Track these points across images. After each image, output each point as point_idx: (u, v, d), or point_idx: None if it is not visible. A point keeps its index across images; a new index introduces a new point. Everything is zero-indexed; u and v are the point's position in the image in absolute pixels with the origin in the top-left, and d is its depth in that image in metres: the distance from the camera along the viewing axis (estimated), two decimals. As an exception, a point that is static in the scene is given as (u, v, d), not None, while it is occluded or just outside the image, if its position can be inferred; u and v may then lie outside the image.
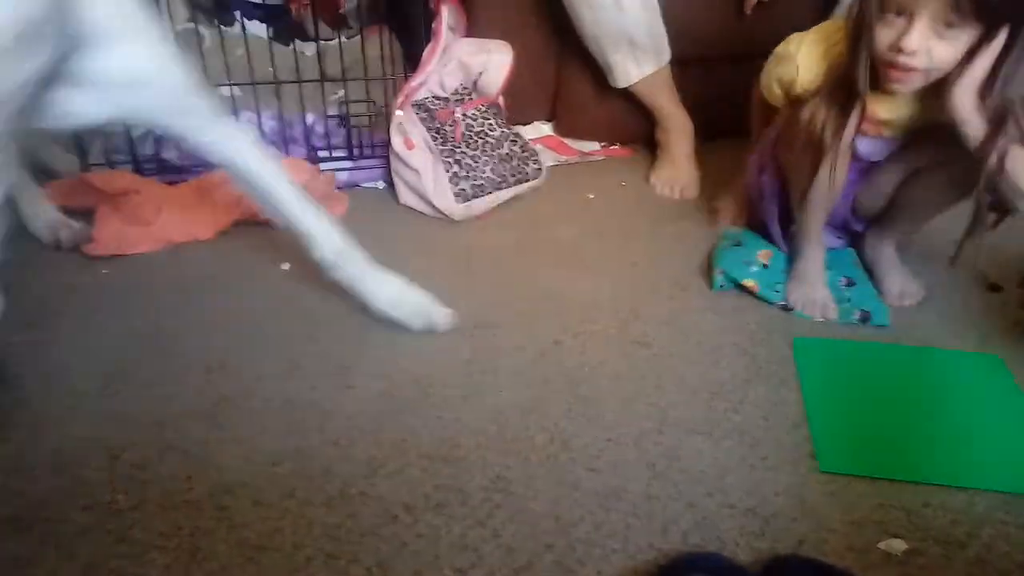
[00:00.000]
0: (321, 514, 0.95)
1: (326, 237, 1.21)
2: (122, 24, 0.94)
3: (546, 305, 1.36)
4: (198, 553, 0.90)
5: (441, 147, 1.62)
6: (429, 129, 1.64)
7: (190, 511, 0.95)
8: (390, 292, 1.26)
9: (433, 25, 1.68)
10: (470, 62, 1.66)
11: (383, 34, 1.81)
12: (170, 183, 1.67)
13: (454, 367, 1.20)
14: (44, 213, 1.54)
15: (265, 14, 2.36)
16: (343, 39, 2.18)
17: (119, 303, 1.35)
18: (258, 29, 2.33)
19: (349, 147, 1.76)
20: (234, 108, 1.73)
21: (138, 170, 1.69)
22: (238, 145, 1.15)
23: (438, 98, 1.67)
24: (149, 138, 1.73)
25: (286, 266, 1.46)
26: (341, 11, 2.68)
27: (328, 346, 1.24)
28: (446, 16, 1.66)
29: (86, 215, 1.60)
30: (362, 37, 1.80)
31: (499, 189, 1.67)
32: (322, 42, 2.23)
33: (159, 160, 1.71)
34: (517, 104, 1.83)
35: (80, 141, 1.69)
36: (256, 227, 1.60)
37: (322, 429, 1.07)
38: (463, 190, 1.61)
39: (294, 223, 1.20)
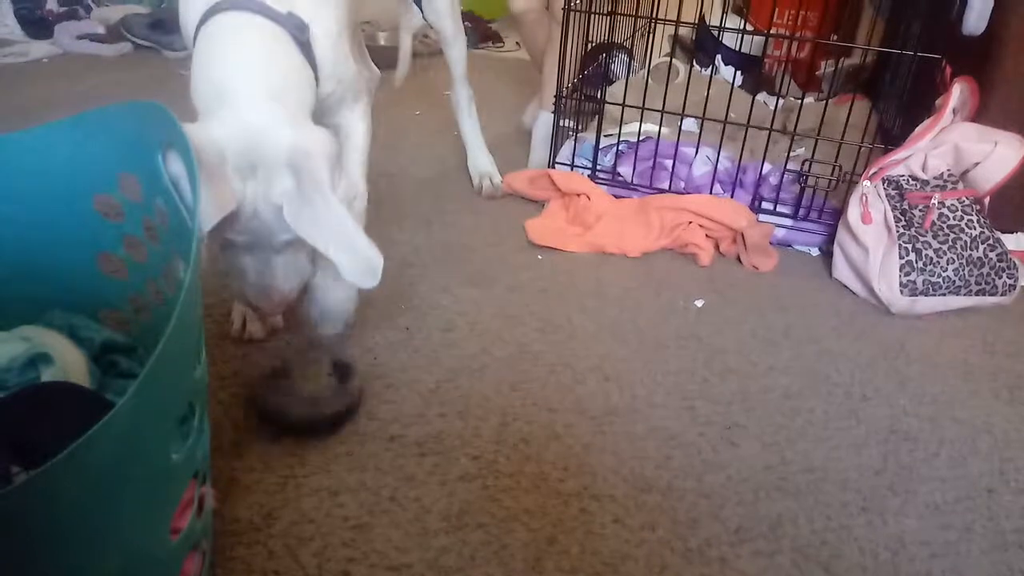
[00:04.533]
0: (676, 563, 0.90)
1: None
2: None
3: (982, 441, 1.14)
4: (555, 543, 0.91)
5: (903, 230, 1.46)
6: (894, 209, 1.49)
7: (558, 502, 0.97)
8: None
9: (938, 101, 1.52)
10: (968, 149, 1.47)
11: (855, 102, 1.71)
12: (616, 196, 1.76)
13: (857, 472, 1.07)
14: (480, 165, 1.88)
15: (742, 62, 2.40)
16: (809, 100, 2.12)
17: (541, 289, 1.45)
18: (728, 74, 2.38)
19: (796, 205, 1.68)
20: (696, 142, 1.76)
21: (593, 177, 1.81)
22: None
23: (915, 178, 1.51)
24: (612, 150, 1.84)
25: (700, 302, 1.44)
26: (817, 73, 2.62)
27: (723, 395, 1.19)
28: (956, 95, 1.49)
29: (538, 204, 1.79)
30: (827, 102, 1.71)
31: (955, 294, 1.45)
32: (790, 99, 2.19)
33: (614, 172, 1.82)
34: (1006, 208, 1.58)
35: (554, 144, 1.88)
36: (680, 258, 1.62)
37: (700, 478, 1.03)
38: (912, 282, 1.43)
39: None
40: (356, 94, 1.19)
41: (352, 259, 0.89)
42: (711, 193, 1.73)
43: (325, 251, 0.88)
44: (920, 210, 1.47)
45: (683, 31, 2.51)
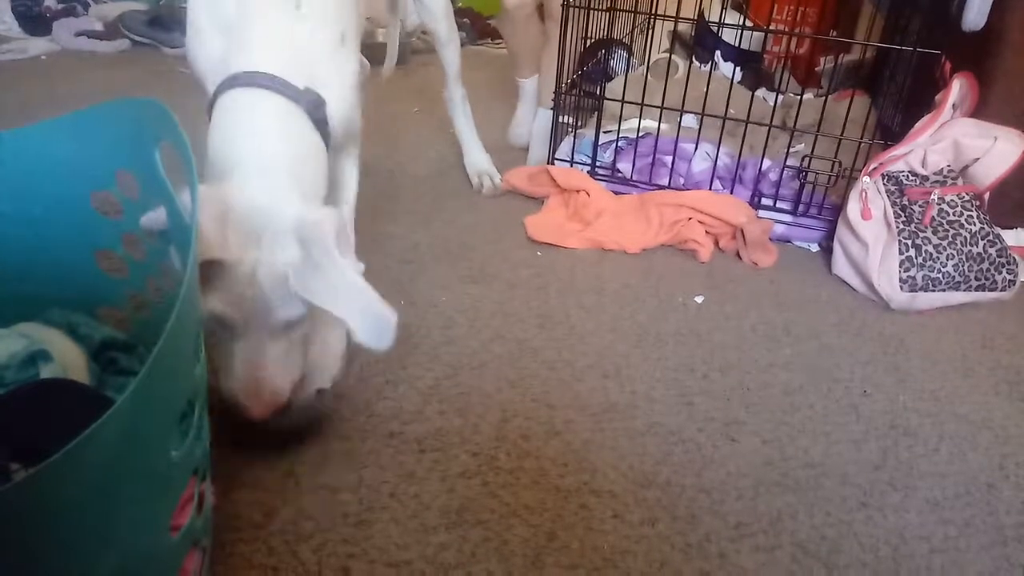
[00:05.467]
0: (676, 558, 0.90)
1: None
2: None
3: (983, 436, 1.14)
4: (555, 539, 0.91)
5: (902, 226, 1.46)
6: (894, 204, 1.49)
7: (557, 498, 0.97)
8: None
9: (938, 97, 1.52)
10: (968, 144, 1.47)
11: (854, 98, 1.72)
12: (615, 192, 1.76)
13: (857, 468, 1.07)
14: (477, 163, 1.87)
15: (741, 58, 2.40)
16: (809, 96, 2.12)
17: (541, 286, 1.45)
18: (728, 70, 2.38)
19: (796, 201, 1.68)
20: (696, 138, 1.76)
21: (592, 173, 1.81)
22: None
23: (915, 174, 1.51)
24: (611, 147, 1.84)
25: (699, 298, 1.44)
26: (816, 69, 2.62)
27: (723, 391, 1.19)
28: (956, 91, 1.49)
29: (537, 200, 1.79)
30: (827, 98, 1.71)
31: (955, 289, 1.45)
32: (789, 95, 2.19)
33: (613, 169, 1.82)
34: (1005, 204, 1.58)
35: (553, 139, 1.88)
36: (680, 254, 1.62)
37: (699, 474, 1.03)
38: (912, 278, 1.43)
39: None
40: (356, 139, 1.19)
41: (367, 322, 0.85)
42: (711, 189, 1.73)
43: (339, 314, 0.84)
44: (920, 206, 1.47)
45: (682, 27, 2.51)
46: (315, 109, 0.96)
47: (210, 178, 0.89)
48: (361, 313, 0.85)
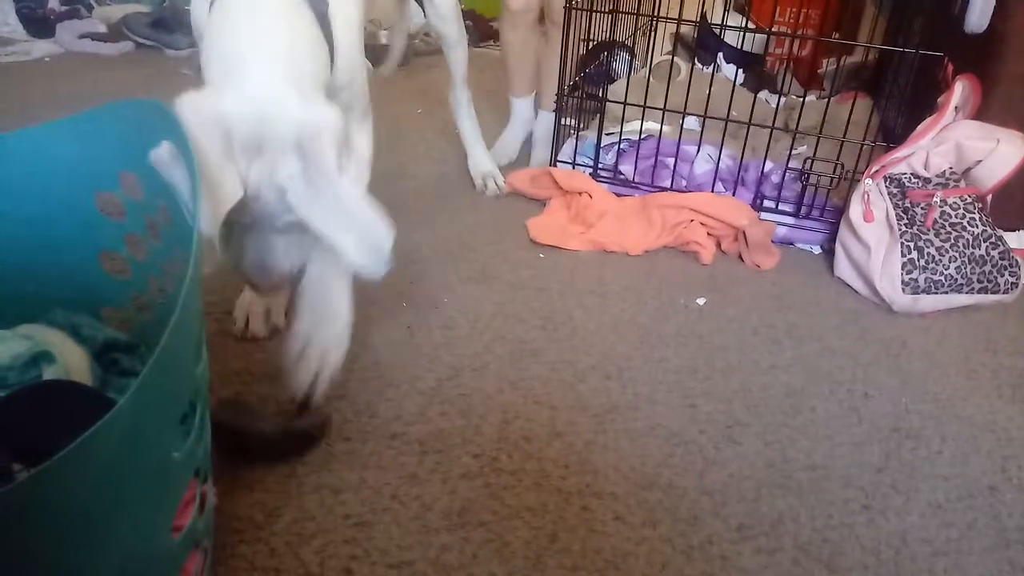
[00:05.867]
0: (678, 560, 0.90)
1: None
2: None
3: (985, 439, 1.14)
4: (556, 541, 0.91)
5: (905, 228, 1.46)
6: (896, 207, 1.48)
7: (559, 500, 0.97)
8: None
9: (940, 99, 1.51)
10: (970, 147, 1.47)
11: (857, 100, 1.72)
12: (617, 194, 1.76)
13: (859, 470, 1.07)
14: (481, 165, 1.86)
15: (743, 60, 2.40)
16: (811, 98, 2.11)
17: (542, 287, 1.45)
18: (730, 72, 2.38)
19: (798, 204, 1.68)
20: (698, 140, 1.76)
21: (594, 175, 1.81)
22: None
23: (917, 176, 1.51)
24: (613, 149, 1.84)
25: (701, 300, 1.44)
26: (819, 71, 2.62)
27: (724, 393, 1.19)
28: (958, 93, 1.48)
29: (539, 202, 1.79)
30: (829, 100, 1.71)
31: (957, 292, 1.45)
32: (792, 97, 2.19)
33: (615, 171, 1.82)
34: (1008, 206, 1.58)
35: (556, 141, 1.89)
36: (682, 256, 1.62)
37: (701, 476, 1.03)
38: (914, 280, 1.43)
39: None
40: (364, 109, 1.19)
41: (359, 241, 0.87)
42: (713, 191, 1.73)
43: (330, 236, 0.86)
44: (922, 208, 1.47)
45: (685, 29, 2.51)
46: (319, 4, 0.96)
47: (212, 78, 0.88)
48: (355, 234, 0.87)
